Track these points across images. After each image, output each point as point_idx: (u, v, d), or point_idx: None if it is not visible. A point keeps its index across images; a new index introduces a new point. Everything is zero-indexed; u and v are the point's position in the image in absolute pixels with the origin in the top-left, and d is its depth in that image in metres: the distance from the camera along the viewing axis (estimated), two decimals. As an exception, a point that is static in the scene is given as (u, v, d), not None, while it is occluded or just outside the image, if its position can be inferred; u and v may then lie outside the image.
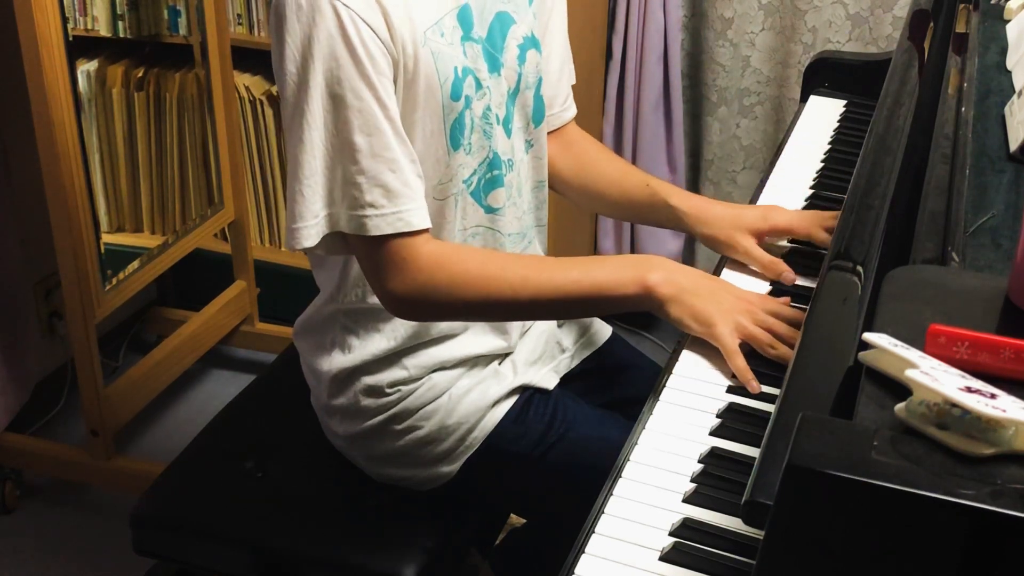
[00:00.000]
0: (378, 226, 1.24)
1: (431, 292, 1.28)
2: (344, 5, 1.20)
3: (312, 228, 1.25)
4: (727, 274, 1.47)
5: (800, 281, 1.42)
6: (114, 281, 2.19)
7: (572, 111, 1.61)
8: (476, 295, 1.29)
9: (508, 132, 1.42)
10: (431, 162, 1.33)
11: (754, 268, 1.46)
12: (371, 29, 1.21)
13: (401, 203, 1.24)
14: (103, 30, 2.45)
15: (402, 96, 1.27)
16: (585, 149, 1.60)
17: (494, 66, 1.37)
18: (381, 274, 1.28)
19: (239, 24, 2.60)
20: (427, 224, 1.27)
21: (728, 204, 1.54)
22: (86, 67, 2.46)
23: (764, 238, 1.48)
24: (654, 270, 1.30)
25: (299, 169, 1.24)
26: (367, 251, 1.28)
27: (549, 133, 1.56)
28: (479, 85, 1.34)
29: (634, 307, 1.32)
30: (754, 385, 1.22)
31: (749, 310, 1.28)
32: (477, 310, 1.35)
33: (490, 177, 1.40)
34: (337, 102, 1.22)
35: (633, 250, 2.93)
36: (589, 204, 1.65)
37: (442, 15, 1.30)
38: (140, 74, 2.50)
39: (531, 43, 1.43)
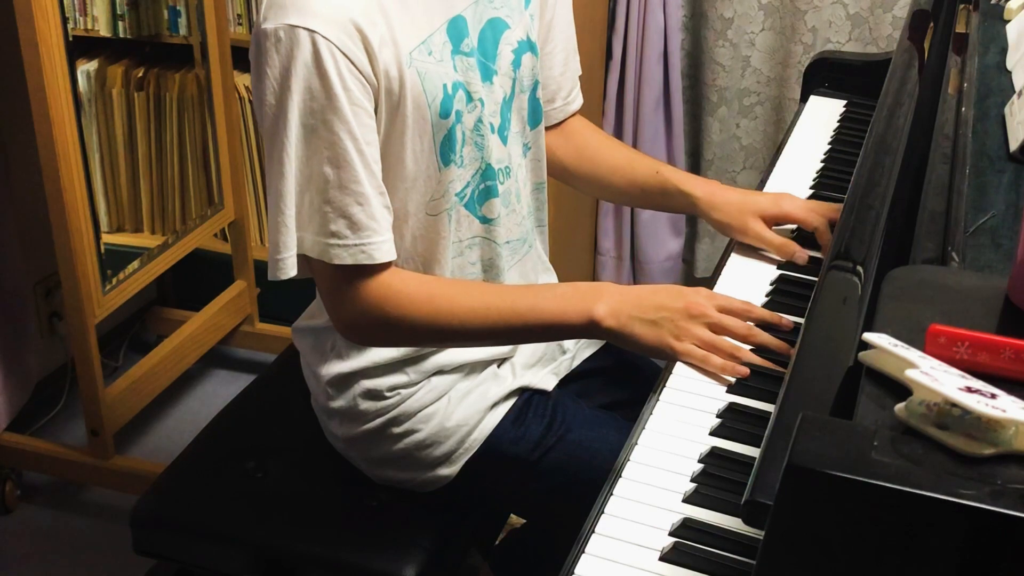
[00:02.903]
0: (340, 256, 1.25)
1: (383, 323, 1.30)
2: (323, 37, 1.19)
3: (295, 257, 1.27)
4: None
5: (798, 275, 1.43)
6: (114, 281, 2.19)
7: (577, 103, 1.61)
8: (426, 328, 1.31)
9: (504, 139, 1.42)
10: (422, 179, 1.33)
11: (766, 251, 1.49)
12: (349, 60, 1.21)
13: (365, 236, 1.25)
14: (103, 30, 2.45)
15: (388, 120, 1.27)
16: (587, 138, 1.61)
17: (487, 75, 1.37)
18: (336, 302, 1.31)
19: (239, 24, 2.61)
20: (389, 258, 1.28)
21: (739, 190, 1.56)
22: (86, 67, 2.46)
23: (773, 225, 1.50)
24: (599, 301, 1.29)
25: (281, 200, 1.24)
26: (326, 277, 1.30)
27: (552, 126, 1.56)
28: (470, 98, 1.34)
29: (583, 337, 1.34)
30: (742, 371, 1.23)
31: (701, 314, 1.28)
32: (428, 340, 1.37)
33: (484, 188, 1.40)
34: (309, 133, 1.22)
35: (633, 250, 2.93)
36: (596, 192, 1.66)
37: (431, 32, 1.30)
38: (140, 74, 2.50)
39: (527, 47, 1.43)
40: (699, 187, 1.54)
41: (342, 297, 1.29)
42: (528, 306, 1.31)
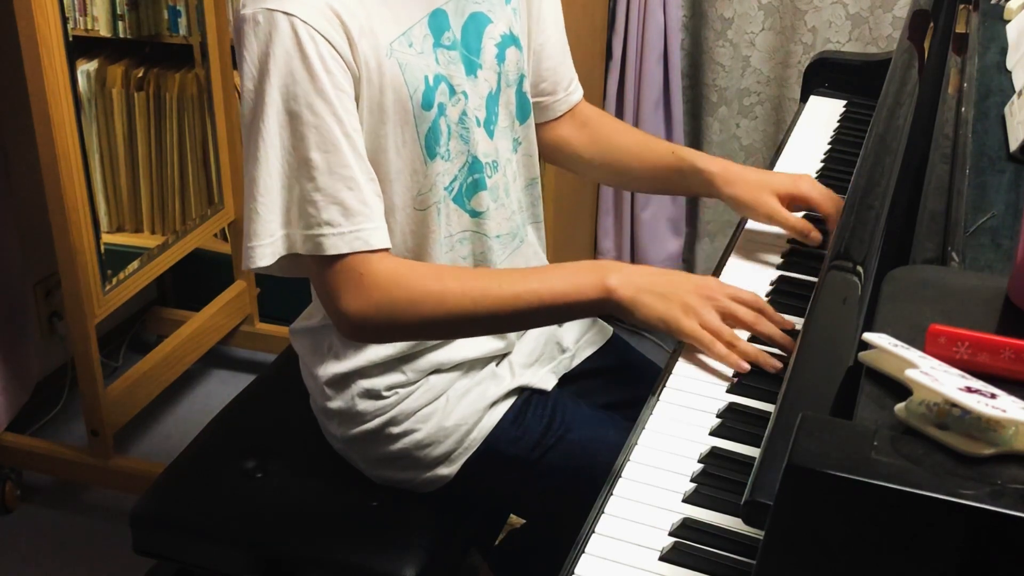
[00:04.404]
0: (335, 245, 1.23)
1: (389, 310, 1.26)
2: (302, 21, 1.18)
3: (267, 247, 1.24)
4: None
5: (797, 275, 1.43)
6: (114, 281, 2.19)
7: (578, 94, 1.60)
8: (436, 311, 1.27)
9: (490, 133, 1.41)
10: (408, 173, 1.32)
11: (780, 228, 1.48)
12: (330, 44, 1.20)
13: (359, 222, 1.23)
14: (103, 30, 2.45)
15: (369, 111, 1.26)
16: (602, 125, 1.60)
17: (471, 69, 1.37)
18: (337, 294, 1.25)
19: (239, 24, 2.60)
20: (385, 244, 1.26)
21: (756, 169, 1.55)
22: (86, 67, 2.46)
23: (790, 205, 1.49)
24: (611, 273, 1.29)
25: (254, 187, 1.23)
26: (323, 271, 1.26)
27: (561, 116, 1.57)
28: (453, 91, 1.34)
29: (595, 312, 1.32)
30: (743, 366, 1.23)
31: (710, 297, 1.28)
32: (437, 326, 1.32)
33: (471, 181, 1.39)
34: (293, 118, 1.21)
35: (633, 250, 2.93)
36: (613, 180, 1.65)
37: (411, 24, 1.29)
38: (140, 74, 2.50)
39: (510, 40, 1.43)
40: (715, 164, 1.52)
41: (346, 289, 1.25)
42: (539, 284, 1.29)
